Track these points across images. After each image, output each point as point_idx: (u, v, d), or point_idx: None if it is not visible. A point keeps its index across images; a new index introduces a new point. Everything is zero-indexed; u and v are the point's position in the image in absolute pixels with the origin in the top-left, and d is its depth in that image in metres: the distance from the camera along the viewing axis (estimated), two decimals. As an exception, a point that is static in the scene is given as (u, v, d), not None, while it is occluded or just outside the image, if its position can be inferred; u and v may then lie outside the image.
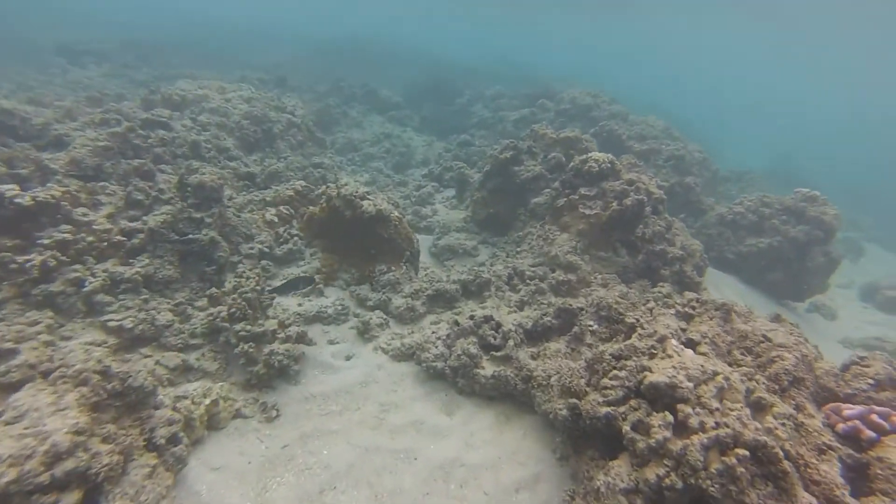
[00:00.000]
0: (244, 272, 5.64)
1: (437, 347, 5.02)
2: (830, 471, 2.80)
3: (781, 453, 2.56)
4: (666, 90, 40.98)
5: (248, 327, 4.60)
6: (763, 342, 4.17)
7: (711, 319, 4.45)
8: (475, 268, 7.60)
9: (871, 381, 3.99)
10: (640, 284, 6.94)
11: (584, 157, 7.37)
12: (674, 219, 7.90)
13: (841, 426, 3.31)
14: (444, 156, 14.34)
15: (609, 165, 7.17)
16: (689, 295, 5.21)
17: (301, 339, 5.09)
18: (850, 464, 3.09)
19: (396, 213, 6.91)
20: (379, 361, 5.28)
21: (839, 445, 3.18)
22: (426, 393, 4.84)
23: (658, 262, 7.02)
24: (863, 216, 21.48)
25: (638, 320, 3.94)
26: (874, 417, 3.36)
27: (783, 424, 2.89)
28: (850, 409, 3.40)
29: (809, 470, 2.75)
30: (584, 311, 5.06)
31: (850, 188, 25.18)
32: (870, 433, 3.19)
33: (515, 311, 6.50)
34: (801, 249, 9.47)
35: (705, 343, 3.72)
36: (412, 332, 5.85)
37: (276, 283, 6.15)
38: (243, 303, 4.70)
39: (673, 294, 6.42)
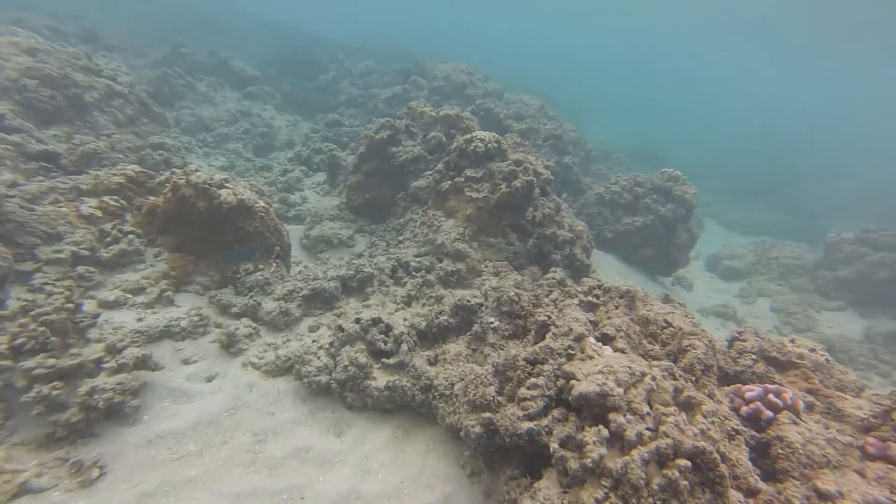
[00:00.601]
0: (44, 285, 4.43)
1: (319, 358, 4.45)
2: (742, 457, 2.91)
3: (719, 457, 2.57)
4: (539, 69, 43.70)
5: (52, 361, 3.56)
6: (666, 327, 4.35)
7: (617, 308, 4.53)
8: (354, 261, 7.07)
9: (752, 357, 4.39)
10: (532, 270, 7.04)
11: (469, 136, 7.22)
12: (561, 200, 8.18)
13: (744, 409, 3.52)
14: (312, 137, 13.39)
15: (496, 145, 7.12)
16: (590, 282, 5.32)
17: (142, 364, 4.14)
18: (752, 445, 3.29)
19: (262, 203, 6.07)
20: (250, 379, 4.55)
21: (744, 428, 3.37)
22: (310, 412, 4.27)
23: (549, 245, 7.18)
24: (701, 194, 25.25)
25: (550, 317, 3.81)
26: (770, 397, 3.66)
27: (713, 423, 2.94)
28: (750, 391, 3.64)
29: (732, 464, 2.82)
30: (483, 308, 4.87)
31: (695, 168, 29.32)
32: (768, 413, 3.44)
33: (403, 308, 6.14)
34: (669, 226, 10.57)
35: (620, 338, 3.73)
36: (288, 341, 5.17)
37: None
38: (41, 328, 3.63)
39: (566, 280, 6.60)
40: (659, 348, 4.32)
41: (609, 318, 4.44)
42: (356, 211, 8.80)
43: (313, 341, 4.76)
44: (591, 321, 4.51)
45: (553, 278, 6.66)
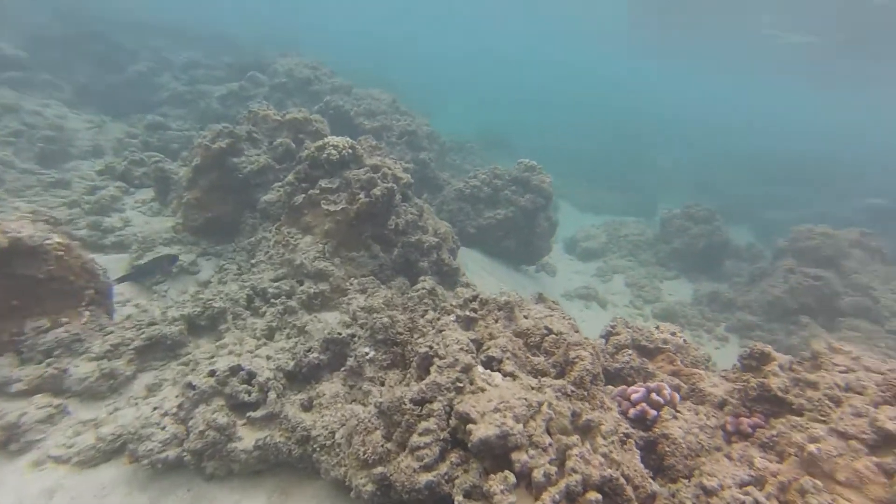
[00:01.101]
0: None
1: (164, 429, 3.91)
2: (635, 461, 3.18)
3: (624, 481, 2.74)
4: (380, 60, 43.61)
5: None
6: (548, 335, 4.59)
7: (497, 322, 4.66)
8: (201, 294, 6.40)
9: (629, 352, 4.87)
10: (400, 282, 7.01)
11: (321, 143, 6.91)
12: (422, 202, 8.24)
13: (632, 411, 3.87)
14: (129, 144, 11.76)
15: (350, 152, 6.91)
16: (465, 293, 5.41)
17: None
18: (641, 445, 3.63)
19: (57, 238, 5.11)
20: (50, 482, 3.75)
21: (633, 431, 3.71)
22: (155, 499, 3.73)
23: (415, 253, 7.20)
24: (554, 177, 27.64)
25: (432, 347, 3.78)
26: (653, 396, 4.06)
27: (612, 443, 3.13)
28: (635, 392, 4.00)
29: (631, 479, 3.04)
30: (355, 339, 4.71)
31: (547, 151, 31.82)
32: (653, 412, 3.81)
33: (265, 343, 5.72)
34: (530, 217, 11.31)
35: (508, 359, 3.82)
36: (117, 411, 4.46)
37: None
38: None
39: (437, 289, 6.68)
40: (544, 360, 4.57)
41: (491, 334, 4.57)
42: (197, 231, 7.96)
43: (154, 408, 4.16)
44: (473, 340, 4.61)
45: (423, 288, 6.69)
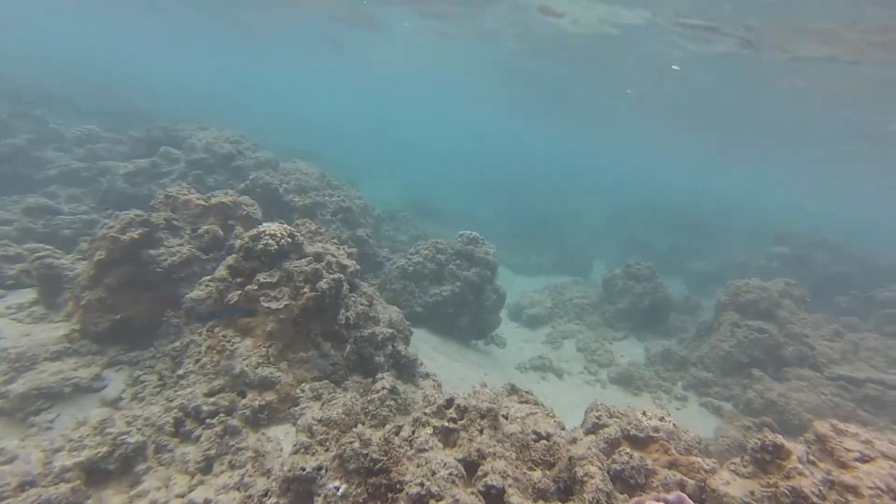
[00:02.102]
0: None
1: None
2: None
3: None
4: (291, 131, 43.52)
5: None
6: (537, 440, 4.09)
7: (482, 433, 4.11)
8: (108, 426, 5.31)
9: (627, 452, 4.43)
10: (357, 381, 6.31)
11: (256, 232, 6.24)
12: (370, 289, 7.67)
13: None
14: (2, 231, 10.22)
15: (290, 240, 6.28)
16: (436, 398, 4.84)
17: None
18: None
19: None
20: None
21: None
22: None
23: (369, 348, 6.56)
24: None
25: (424, 486, 3.16)
26: None
27: None
28: None
29: None
30: (323, 471, 3.95)
31: (473, 216, 32.34)
32: None
33: (200, 482, 4.75)
34: (476, 290, 10.98)
35: (511, 487, 3.25)
36: None
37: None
38: None
39: (398, 387, 6.03)
40: (542, 474, 4.03)
41: (480, 452, 4.00)
42: (101, 338, 6.83)
43: None
44: (460, 460, 4.00)
45: (383, 388, 6.03)
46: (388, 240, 17.61)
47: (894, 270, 20.68)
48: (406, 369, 7.09)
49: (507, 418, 4.88)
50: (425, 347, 10.33)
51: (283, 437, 5.06)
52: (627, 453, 4.71)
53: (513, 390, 6.19)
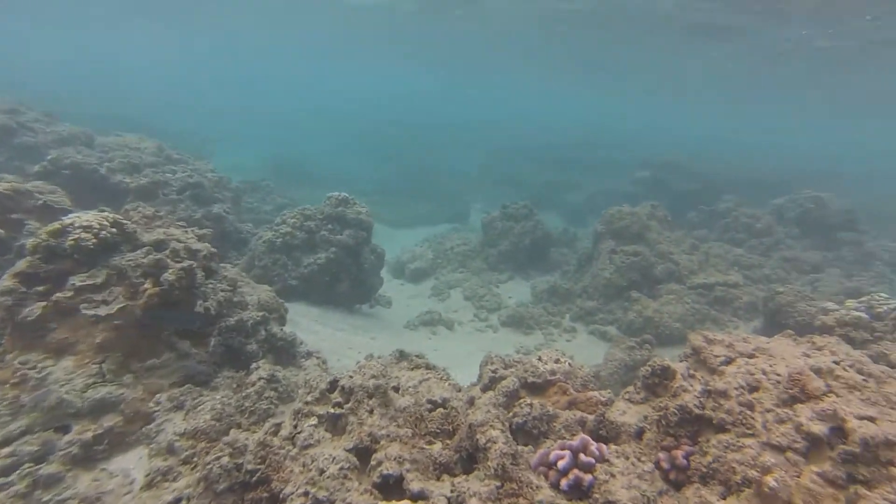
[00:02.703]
0: None
1: None
2: None
3: None
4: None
5: None
6: (433, 409, 3.83)
7: (372, 413, 3.75)
8: None
9: (528, 403, 4.33)
10: (228, 377, 5.59)
11: (59, 225, 5.09)
12: (234, 271, 6.82)
13: (564, 482, 3.27)
14: None
15: (114, 231, 5.22)
16: (319, 382, 4.36)
17: None
18: None
19: None
20: None
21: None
22: None
23: (238, 337, 5.83)
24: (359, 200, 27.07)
25: (309, 494, 2.72)
26: (581, 457, 3.52)
27: None
28: (560, 459, 3.42)
29: None
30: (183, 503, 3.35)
31: (346, 175, 31.06)
32: (587, 477, 3.26)
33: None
34: (354, 254, 10.41)
35: (408, 471, 2.97)
36: None
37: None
38: None
39: (277, 375, 5.45)
40: (443, 447, 3.77)
41: (372, 436, 3.64)
42: None
43: None
44: (351, 449, 3.61)
45: (260, 379, 5.43)
46: (251, 212, 16.17)
47: (729, 184, 23.48)
48: (285, 352, 6.48)
49: (398, 390, 4.55)
50: (305, 321, 9.67)
51: (133, 466, 4.27)
52: (528, 404, 4.63)
53: (401, 356, 5.87)
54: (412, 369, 5.66)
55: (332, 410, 4.14)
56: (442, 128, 49.74)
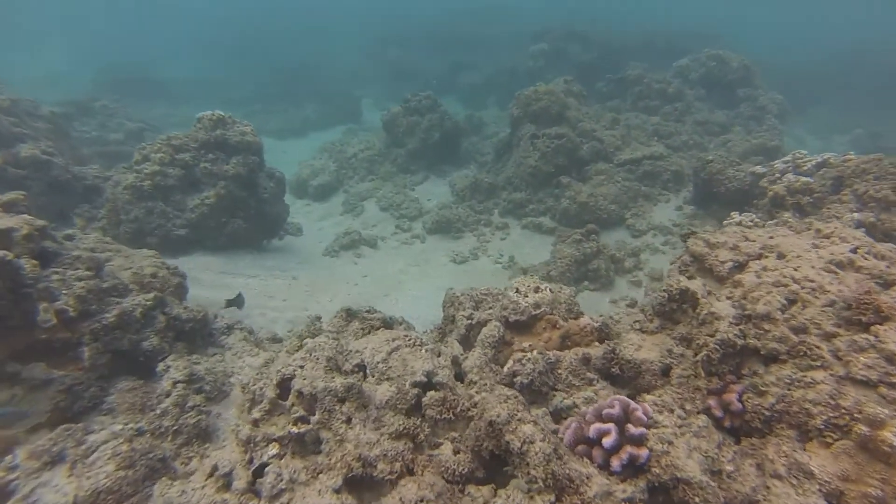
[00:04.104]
0: None
1: None
2: None
3: None
4: None
5: None
6: (422, 392, 2.82)
7: (350, 424, 2.67)
8: None
9: (528, 357, 3.47)
10: (127, 390, 4.22)
11: None
12: (93, 238, 5.07)
13: (615, 462, 2.60)
14: None
15: None
16: (263, 385, 3.16)
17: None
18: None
19: None
20: None
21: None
22: None
23: (126, 335, 4.35)
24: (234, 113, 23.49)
25: None
26: (630, 428, 2.73)
27: None
28: (605, 436, 2.72)
29: None
30: None
31: (206, 84, 26.74)
32: (642, 452, 2.64)
33: None
34: (248, 184, 8.63)
35: None
36: None
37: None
38: None
39: (195, 371, 4.16)
40: (453, 449, 2.86)
41: (361, 457, 2.69)
42: None
43: None
44: (339, 489, 2.56)
45: (172, 392, 4.17)
46: (91, 145, 13.08)
47: (630, 49, 22.84)
48: (198, 334, 5.07)
49: (366, 372, 3.47)
50: (210, 276, 8.05)
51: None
52: (529, 359, 3.80)
53: (350, 315, 4.72)
54: (368, 333, 4.57)
55: (295, 429, 3.01)
56: (308, 24, 43.75)
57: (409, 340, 3.93)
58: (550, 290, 4.90)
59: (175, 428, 3.92)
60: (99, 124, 14.37)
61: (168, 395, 4.10)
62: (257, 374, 3.88)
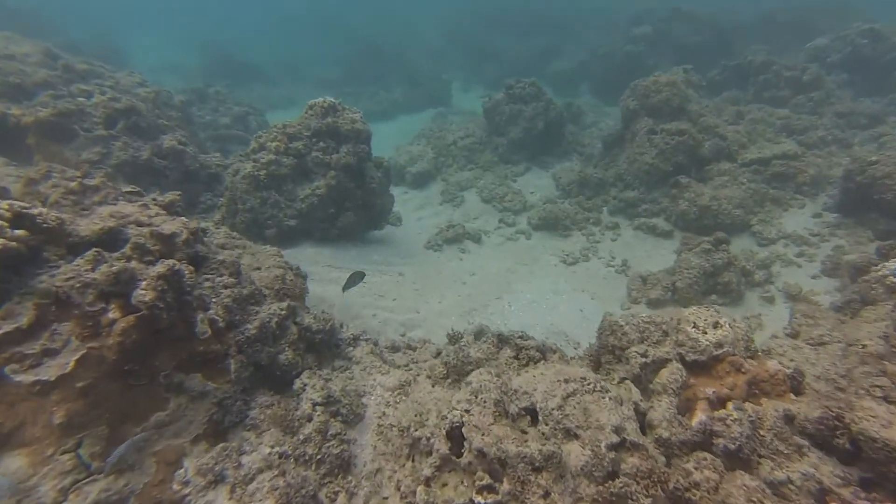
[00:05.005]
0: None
1: None
2: None
3: None
4: None
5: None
6: (618, 455, 2.29)
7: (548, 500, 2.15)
8: None
9: (734, 419, 2.86)
10: (267, 405, 4.00)
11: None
12: (223, 232, 4.91)
13: None
14: None
15: (24, 231, 3.23)
16: (424, 434, 2.80)
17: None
18: None
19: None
20: None
21: None
22: None
23: (264, 348, 4.12)
24: (326, 94, 23.66)
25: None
26: None
27: None
28: None
29: None
30: None
31: (300, 68, 27.19)
32: None
33: None
34: (356, 174, 8.38)
35: None
36: None
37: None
38: None
39: (333, 392, 3.86)
40: None
41: None
42: None
43: None
44: None
45: (316, 406, 3.89)
46: (206, 129, 13.46)
47: (745, 28, 20.75)
48: (326, 346, 4.82)
49: (535, 418, 3.00)
50: (318, 269, 7.90)
51: None
52: (735, 420, 3.17)
53: (501, 341, 4.26)
54: (526, 364, 4.10)
55: (481, 499, 2.58)
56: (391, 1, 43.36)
57: (588, 384, 3.43)
58: (730, 325, 4.21)
59: (318, 457, 3.65)
60: (212, 109, 14.76)
61: (309, 419, 3.84)
62: (407, 408, 3.52)
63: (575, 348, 6.92)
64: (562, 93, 20.15)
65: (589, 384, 3.40)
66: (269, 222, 7.78)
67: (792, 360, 4.75)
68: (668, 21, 20.64)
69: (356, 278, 6.35)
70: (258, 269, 5.18)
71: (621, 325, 4.33)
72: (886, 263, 6.42)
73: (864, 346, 4.58)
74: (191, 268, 3.69)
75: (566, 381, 3.45)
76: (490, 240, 10.44)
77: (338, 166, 8.12)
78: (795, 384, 3.97)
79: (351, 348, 5.07)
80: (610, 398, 3.33)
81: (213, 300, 3.86)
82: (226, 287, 4.02)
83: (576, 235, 10.29)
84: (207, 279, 3.96)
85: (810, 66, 13.91)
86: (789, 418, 3.56)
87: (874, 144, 11.55)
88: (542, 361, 4.12)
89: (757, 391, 3.86)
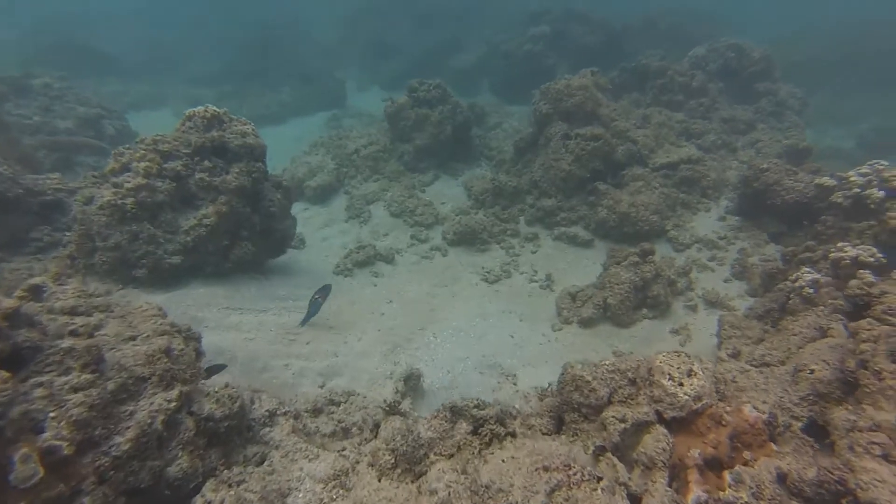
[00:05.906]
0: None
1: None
2: None
3: None
4: None
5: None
6: None
7: None
8: None
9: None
10: None
11: None
12: (72, 288, 3.70)
13: None
14: None
15: None
16: None
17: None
18: None
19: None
20: None
21: None
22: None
23: (139, 473, 3.05)
24: (208, 99, 21.29)
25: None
26: None
27: None
28: None
29: None
30: None
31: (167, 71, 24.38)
32: None
33: None
34: (252, 198, 7.25)
35: None
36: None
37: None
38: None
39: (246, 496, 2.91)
40: None
41: None
42: None
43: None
44: None
45: None
46: (35, 133, 11.11)
47: (632, 31, 21.54)
48: (235, 432, 3.77)
49: None
50: (213, 313, 6.64)
51: None
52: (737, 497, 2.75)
53: (454, 413, 3.51)
54: (489, 443, 3.41)
55: None
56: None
57: (575, 475, 2.82)
58: (703, 370, 3.82)
59: None
60: (41, 108, 12.29)
61: None
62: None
63: (514, 384, 6.38)
64: (463, 91, 19.69)
65: (575, 474, 2.81)
66: (143, 262, 6.38)
67: (742, 390, 4.62)
68: (565, 21, 20.99)
69: (323, 294, 6.53)
70: (132, 339, 3.97)
71: (588, 381, 3.79)
72: (801, 275, 6.60)
73: (811, 371, 4.50)
74: (3, 374, 2.54)
75: (545, 468, 2.85)
76: (404, 259, 9.65)
77: (229, 190, 6.90)
78: (772, 431, 3.70)
79: (267, 429, 4.07)
80: (602, 490, 2.76)
81: (52, 415, 2.72)
82: (76, 390, 2.88)
83: (494, 249, 9.81)
84: (40, 384, 2.79)
85: (696, 72, 14.65)
86: (782, 478, 3.25)
87: (752, 150, 12.39)
88: (508, 437, 3.46)
89: (739, 444, 3.53)
